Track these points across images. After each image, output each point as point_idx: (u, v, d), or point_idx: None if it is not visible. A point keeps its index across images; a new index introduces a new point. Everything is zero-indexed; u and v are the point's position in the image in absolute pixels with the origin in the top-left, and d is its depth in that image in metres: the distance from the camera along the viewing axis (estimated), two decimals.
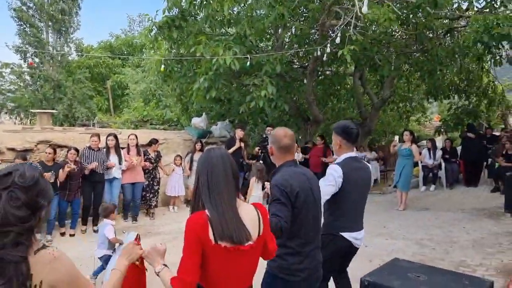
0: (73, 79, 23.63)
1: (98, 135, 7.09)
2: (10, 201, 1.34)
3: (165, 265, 1.84)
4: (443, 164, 10.08)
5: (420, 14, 8.36)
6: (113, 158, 7.09)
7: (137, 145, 7.64)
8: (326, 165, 9.10)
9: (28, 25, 22.56)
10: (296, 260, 2.40)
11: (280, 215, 2.28)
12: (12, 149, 6.90)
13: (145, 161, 7.62)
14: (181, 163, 8.37)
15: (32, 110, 17.19)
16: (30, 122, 20.79)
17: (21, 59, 23.81)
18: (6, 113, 24.83)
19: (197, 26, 9.22)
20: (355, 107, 13.54)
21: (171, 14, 9.09)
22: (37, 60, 23.41)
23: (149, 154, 7.82)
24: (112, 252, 4.43)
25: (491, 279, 2.89)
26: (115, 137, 7.26)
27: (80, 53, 25.22)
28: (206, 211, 1.77)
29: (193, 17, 9.45)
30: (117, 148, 7.22)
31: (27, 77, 24.18)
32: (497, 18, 6.75)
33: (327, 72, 12.94)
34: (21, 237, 1.33)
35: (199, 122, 10.24)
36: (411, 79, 12.21)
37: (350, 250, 3.16)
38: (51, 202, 1.53)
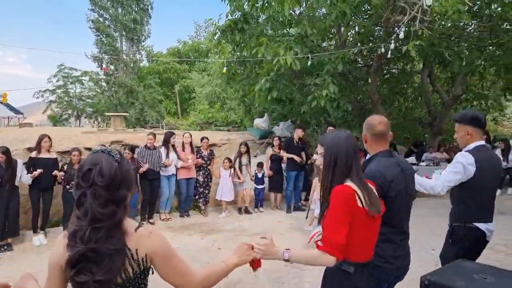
0: (144, 84, 25.02)
1: (154, 134, 7.63)
2: (95, 199, 1.42)
3: (287, 248, 1.91)
4: None
5: (494, 4, 7.82)
6: (171, 156, 7.59)
7: (191, 143, 8.02)
8: None
9: (104, 35, 24.26)
10: (390, 247, 2.42)
11: None
12: (89, 149, 7.47)
13: (197, 158, 8.00)
14: (230, 166, 8.13)
15: (107, 114, 18.43)
16: (106, 126, 22.28)
17: (98, 67, 25.69)
18: (85, 117, 26.86)
19: (259, 28, 9.35)
20: (423, 106, 12.95)
21: (234, 17, 9.31)
22: (112, 67, 25.09)
23: (202, 152, 8.13)
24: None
25: None
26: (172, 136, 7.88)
27: (150, 58, 26.57)
28: (348, 184, 1.91)
29: (255, 20, 9.60)
30: (173, 146, 7.74)
31: (104, 84, 25.97)
32: None
33: (393, 70, 12.51)
34: (112, 231, 1.43)
35: (261, 122, 10.37)
36: (485, 75, 11.42)
37: (484, 243, 3.04)
38: (133, 187, 1.60)
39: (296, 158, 8.10)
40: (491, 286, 2.34)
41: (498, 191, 9.33)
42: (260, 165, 8.48)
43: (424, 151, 11.07)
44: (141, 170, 7.12)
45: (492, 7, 8.13)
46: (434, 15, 7.15)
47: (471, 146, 3.00)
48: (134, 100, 24.02)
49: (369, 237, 2.00)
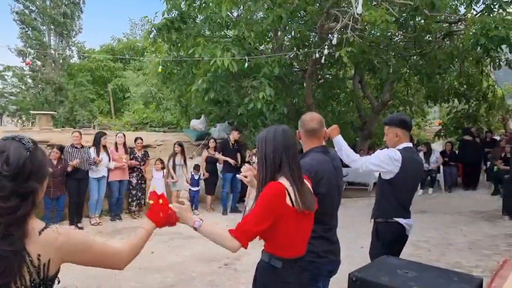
0: (74, 82, 23.73)
1: (80, 132, 7.39)
2: None
3: (202, 219, 1.94)
4: (441, 168, 10.05)
5: (418, 17, 8.37)
6: (102, 157, 7.30)
7: (124, 144, 7.77)
8: None
9: (30, 28, 22.66)
10: (321, 243, 2.52)
11: None
12: None
13: (131, 159, 7.76)
14: (162, 167, 8.05)
15: (32, 112, 17.24)
16: (31, 125, 20.84)
17: (23, 62, 23.92)
18: (8, 115, 24.93)
19: (196, 28, 9.26)
20: (354, 111, 13.54)
21: (171, 16, 9.14)
22: (39, 63, 23.51)
23: (136, 153, 7.91)
24: None
25: (482, 276, 2.87)
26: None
27: (82, 55, 25.29)
28: (281, 181, 1.94)
29: (192, 20, 9.48)
30: (105, 147, 7.45)
31: (29, 80, 24.29)
32: (494, 21, 6.76)
33: (327, 76, 12.96)
34: (10, 228, 1.24)
35: (197, 124, 10.26)
36: (410, 83, 12.20)
37: (404, 238, 3.23)
38: (46, 180, 1.42)
39: (230, 160, 8.11)
40: (412, 280, 2.48)
41: (420, 191, 10.00)
42: (196, 167, 8.40)
43: None
44: (73, 163, 6.77)
45: (417, 19, 8.69)
46: (365, 24, 7.50)
47: (400, 147, 3.18)
48: (63, 98, 22.69)
49: (300, 234, 2.03)
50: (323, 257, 2.53)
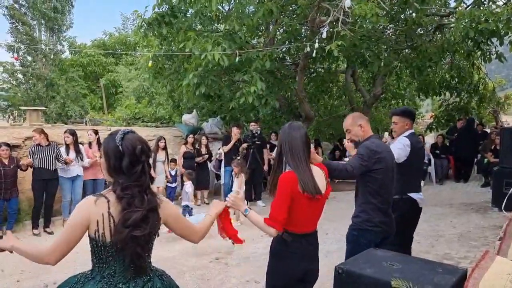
0: (66, 77, 23.55)
1: (41, 131, 6.69)
2: (149, 167, 1.91)
3: (250, 208, 2.42)
4: (432, 160, 10.10)
5: (409, 10, 8.37)
6: (71, 156, 6.77)
7: (98, 140, 7.29)
8: None
9: (20, 23, 22.41)
10: (378, 214, 2.99)
11: (352, 164, 2.93)
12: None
13: None
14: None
15: (22, 108, 17.07)
16: (23, 121, 20.68)
17: (13, 57, 23.65)
18: None
19: (187, 22, 9.17)
20: (347, 104, 13.56)
21: (161, 10, 9.06)
22: (29, 58, 23.29)
23: None
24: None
25: (469, 267, 2.90)
26: (72, 133, 6.93)
27: (73, 50, 25.04)
28: (292, 170, 2.34)
29: (182, 14, 9.40)
30: (76, 145, 6.91)
31: (20, 76, 24.05)
32: (484, 13, 6.78)
33: (319, 69, 12.95)
34: (152, 192, 1.89)
35: (189, 118, 10.22)
36: (401, 76, 12.22)
37: (417, 210, 3.76)
38: None
39: (231, 144, 8.27)
40: (397, 272, 2.50)
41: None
42: (173, 161, 8.32)
43: None
44: (24, 162, 6.21)
45: (407, 12, 8.70)
46: (356, 17, 7.47)
47: (407, 133, 3.81)
48: (55, 94, 22.53)
49: (310, 214, 2.44)
50: (379, 227, 2.99)
